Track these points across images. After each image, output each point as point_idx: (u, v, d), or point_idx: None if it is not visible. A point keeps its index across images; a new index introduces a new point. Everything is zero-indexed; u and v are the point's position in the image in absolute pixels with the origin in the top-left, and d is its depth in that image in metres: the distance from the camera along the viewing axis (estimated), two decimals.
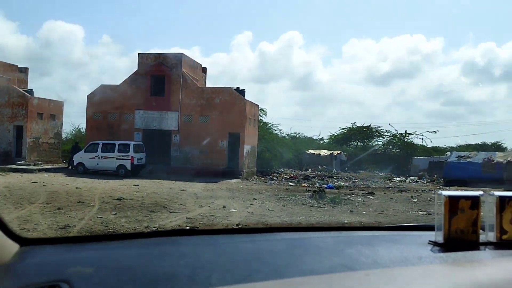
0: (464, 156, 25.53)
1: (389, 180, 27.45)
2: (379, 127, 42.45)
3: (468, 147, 37.39)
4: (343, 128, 43.97)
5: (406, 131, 40.81)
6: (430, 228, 1.51)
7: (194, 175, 21.47)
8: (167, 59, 25.14)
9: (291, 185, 21.74)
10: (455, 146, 40.27)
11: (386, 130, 41.81)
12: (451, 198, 1.36)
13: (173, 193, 15.27)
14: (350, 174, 30.54)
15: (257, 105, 27.91)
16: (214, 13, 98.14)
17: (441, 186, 23.47)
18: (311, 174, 28.10)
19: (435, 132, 40.78)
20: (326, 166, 33.42)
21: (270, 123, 33.97)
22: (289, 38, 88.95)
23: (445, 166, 25.38)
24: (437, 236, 1.40)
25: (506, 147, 39.75)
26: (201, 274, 1.12)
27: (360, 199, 15.55)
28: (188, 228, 1.66)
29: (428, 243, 1.43)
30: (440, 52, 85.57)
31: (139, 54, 25.56)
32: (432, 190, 20.86)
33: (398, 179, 28.26)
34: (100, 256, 1.27)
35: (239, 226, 7.89)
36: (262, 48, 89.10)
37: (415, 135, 40.68)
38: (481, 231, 1.41)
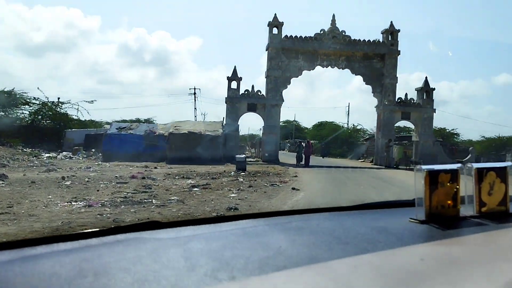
0: (125, 127, 23.17)
1: (36, 156, 21.88)
2: (25, 93, 34.66)
3: (125, 122, 36.13)
4: None
5: (59, 98, 35.11)
6: (410, 204, 1.44)
7: None
8: None
9: None
10: (111, 121, 38.24)
11: (35, 97, 34.66)
12: (430, 172, 1.29)
13: None
14: None
15: None
16: None
17: (99, 162, 20.15)
18: None
19: (92, 102, 37.29)
20: None
21: None
22: None
23: (105, 139, 22.24)
24: (418, 212, 1.32)
25: (157, 123, 41.29)
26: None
27: None
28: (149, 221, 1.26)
29: (409, 220, 1.33)
30: (97, 31, 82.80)
31: None
32: (90, 167, 17.17)
33: (47, 155, 23.06)
34: (55, 261, 0.99)
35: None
36: None
37: (69, 104, 35.60)
38: (461, 204, 1.35)
